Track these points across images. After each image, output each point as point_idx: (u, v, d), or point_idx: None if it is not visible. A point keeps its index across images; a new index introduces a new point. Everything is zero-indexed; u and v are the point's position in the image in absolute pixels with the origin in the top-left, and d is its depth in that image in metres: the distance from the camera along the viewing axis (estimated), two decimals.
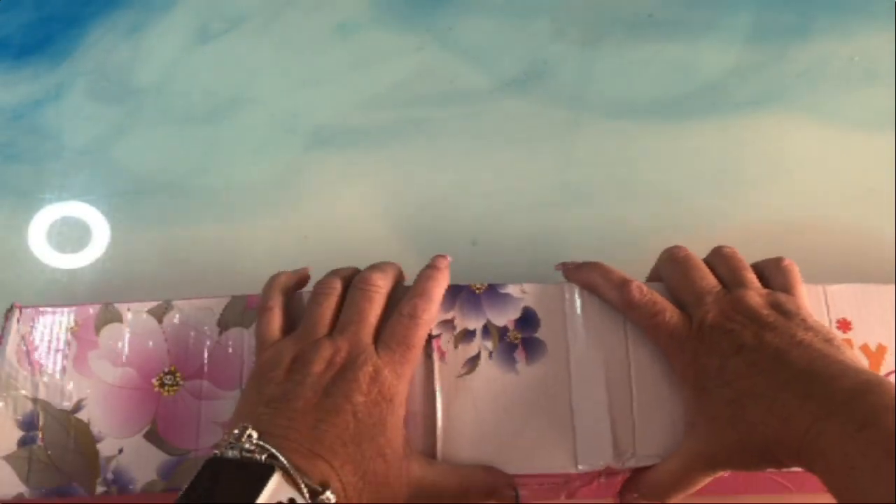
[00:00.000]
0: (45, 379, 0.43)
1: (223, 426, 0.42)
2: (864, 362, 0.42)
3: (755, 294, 0.41)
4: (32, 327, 0.44)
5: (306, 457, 0.35)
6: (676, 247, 0.44)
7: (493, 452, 0.41)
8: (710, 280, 0.42)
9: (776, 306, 0.40)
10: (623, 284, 0.42)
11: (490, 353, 0.43)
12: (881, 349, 0.43)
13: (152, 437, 0.42)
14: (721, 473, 0.39)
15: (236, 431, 0.35)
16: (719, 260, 0.44)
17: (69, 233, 0.58)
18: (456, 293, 0.44)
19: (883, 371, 0.43)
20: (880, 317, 0.44)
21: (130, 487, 0.41)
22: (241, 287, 0.46)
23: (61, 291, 0.56)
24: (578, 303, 0.44)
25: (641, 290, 0.42)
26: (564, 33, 0.63)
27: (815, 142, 0.58)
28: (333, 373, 0.39)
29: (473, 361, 0.43)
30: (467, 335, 0.43)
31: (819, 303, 0.44)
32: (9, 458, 0.42)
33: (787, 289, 0.42)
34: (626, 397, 0.42)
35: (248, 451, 0.35)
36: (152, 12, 0.65)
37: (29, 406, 0.43)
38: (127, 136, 0.61)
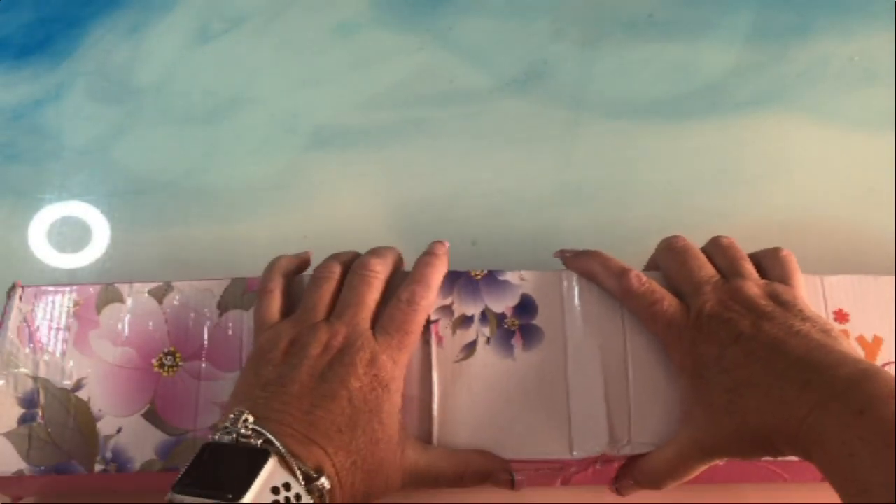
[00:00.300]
0: (46, 357, 0.44)
1: (221, 407, 0.43)
2: (860, 353, 0.42)
3: (753, 284, 0.41)
4: (34, 306, 0.45)
5: (301, 442, 0.35)
6: (675, 236, 0.44)
7: (488, 438, 0.41)
8: (708, 270, 0.42)
9: (774, 297, 0.40)
10: (622, 273, 0.42)
11: (487, 340, 0.43)
12: (877, 340, 0.43)
13: (151, 416, 0.43)
14: (717, 462, 0.39)
15: (232, 416, 0.36)
16: (717, 250, 0.44)
17: (69, 233, 0.58)
18: (455, 279, 0.44)
19: (879, 362, 0.43)
20: (877, 308, 0.44)
21: (129, 466, 0.41)
22: None
23: None
24: (576, 290, 0.44)
25: (640, 278, 0.42)
26: (564, 33, 0.63)
27: (815, 142, 0.58)
28: (330, 357, 0.39)
29: (471, 347, 0.43)
30: (465, 321, 0.43)
31: (816, 294, 0.44)
32: (9, 436, 0.42)
33: (785, 279, 0.42)
34: (623, 385, 0.42)
35: (244, 435, 0.35)
36: (152, 12, 0.65)
37: (29, 384, 0.43)
38: (127, 136, 0.61)
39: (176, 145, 0.60)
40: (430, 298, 0.42)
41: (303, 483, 0.34)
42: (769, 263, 0.43)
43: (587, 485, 0.45)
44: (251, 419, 0.36)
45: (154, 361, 0.44)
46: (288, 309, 0.43)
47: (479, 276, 0.44)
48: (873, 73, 0.60)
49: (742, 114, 0.59)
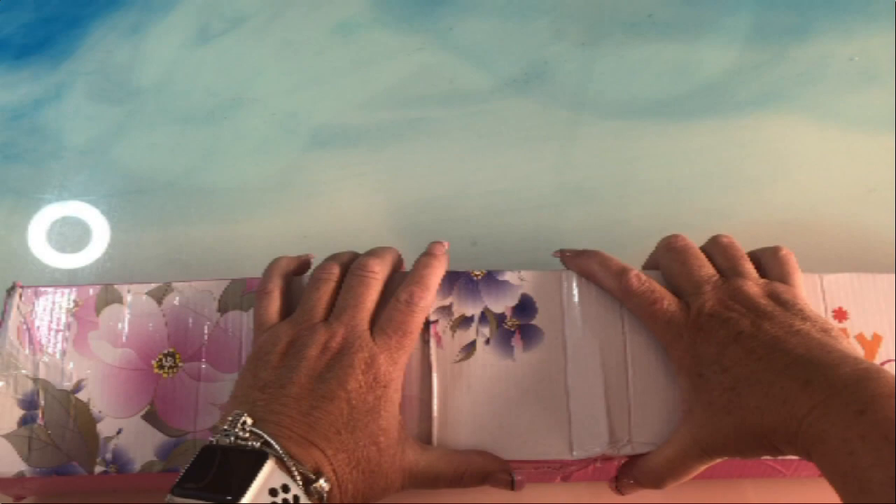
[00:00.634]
0: (46, 359, 0.44)
1: (221, 408, 0.43)
2: (860, 352, 0.42)
3: (753, 284, 0.41)
4: (33, 307, 0.45)
5: (300, 444, 0.36)
6: (674, 235, 0.44)
7: (488, 438, 0.41)
8: (707, 269, 0.42)
9: (774, 296, 0.40)
10: (621, 272, 0.42)
11: (487, 340, 0.43)
12: (876, 338, 0.43)
13: (151, 418, 0.43)
14: (717, 461, 0.39)
15: (231, 418, 0.36)
16: (717, 249, 0.44)
17: (69, 233, 0.58)
18: (454, 279, 0.44)
19: (878, 360, 0.43)
20: (876, 306, 0.44)
21: (129, 467, 0.42)
22: None
23: None
24: (576, 290, 0.44)
25: (640, 278, 0.42)
26: (564, 33, 0.63)
27: (815, 142, 0.58)
28: (328, 358, 0.39)
29: (470, 348, 0.43)
30: (465, 321, 0.43)
31: (815, 292, 0.44)
32: (9, 437, 0.42)
33: (785, 278, 0.42)
34: (623, 385, 0.42)
35: (243, 437, 0.35)
36: (152, 13, 0.65)
37: (30, 385, 0.43)
38: (127, 136, 0.61)
39: (176, 145, 0.60)
40: (429, 299, 0.42)
41: (301, 485, 0.34)
42: (769, 262, 0.43)
43: (587, 481, 0.45)
44: (249, 421, 0.36)
45: (154, 362, 0.44)
46: (287, 310, 0.43)
47: (479, 277, 0.45)
48: (873, 73, 0.60)
49: (742, 114, 0.59)
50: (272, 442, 0.35)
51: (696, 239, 0.45)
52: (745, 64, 0.61)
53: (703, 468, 0.39)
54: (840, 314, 0.44)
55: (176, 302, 0.45)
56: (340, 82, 0.62)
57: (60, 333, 0.44)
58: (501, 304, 0.44)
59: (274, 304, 0.43)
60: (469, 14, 0.64)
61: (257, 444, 0.35)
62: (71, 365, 0.44)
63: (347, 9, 0.65)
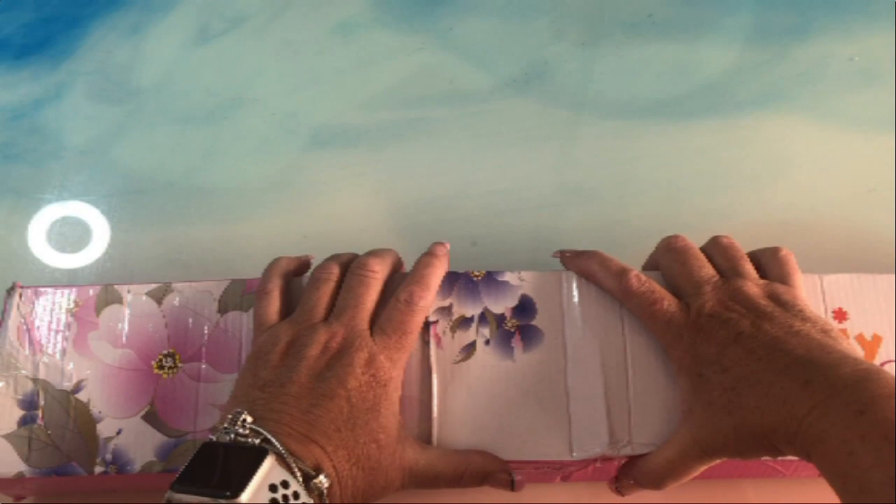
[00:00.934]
0: (46, 359, 0.44)
1: (221, 408, 0.43)
2: (860, 353, 0.42)
3: (753, 284, 0.41)
4: (33, 307, 0.45)
5: (300, 441, 0.36)
6: (675, 236, 0.44)
7: (488, 439, 0.41)
8: (708, 270, 0.42)
9: (774, 297, 0.40)
10: (621, 273, 0.42)
11: (487, 341, 0.43)
12: (876, 339, 0.43)
13: (151, 418, 0.43)
14: (717, 461, 0.39)
15: (231, 416, 0.36)
16: (717, 250, 0.44)
17: (69, 233, 0.58)
18: (454, 280, 0.44)
19: (878, 360, 0.43)
20: (876, 306, 0.44)
21: (129, 468, 0.42)
22: None
23: None
24: (576, 291, 0.44)
25: (639, 278, 0.42)
26: (564, 33, 0.63)
27: (814, 142, 0.58)
28: (329, 357, 0.39)
29: (470, 348, 0.43)
30: (464, 322, 0.43)
31: (815, 292, 0.44)
32: (9, 437, 0.42)
33: (785, 279, 0.42)
34: (623, 385, 0.42)
35: (243, 435, 0.35)
36: (152, 13, 0.65)
37: (29, 386, 0.43)
38: (127, 136, 0.61)
39: (176, 145, 0.60)
40: (429, 299, 0.42)
41: (301, 481, 0.34)
42: (769, 263, 0.43)
43: (587, 481, 0.45)
44: (249, 419, 0.36)
45: (153, 363, 0.44)
46: (287, 310, 0.43)
47: (479, 277, 0.44)
48: (873, 73, 0.60)
49: (742, 114, 0.59)
50: (272, 439, 0.35)
51: (696, 239, 0.45)
52: (745, 64, 0.61)
53: (703, 468, 0.39)
54: (840, 315, 0.44)
55: (176, 302, 0.45)
56: (340, 82, 0.62)
57: (60, 334, 0.44)
58: (501, 305, 0.44)
59: (274, 305, 0.43)
60: (469, 14, 0.64)
61: (257, 441, 0.35)
62: (71, 365, 0.44)
63: (347, 9, 0.65)
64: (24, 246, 0.57)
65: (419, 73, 0.62)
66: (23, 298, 0.45)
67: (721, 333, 0.39)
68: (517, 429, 0.41)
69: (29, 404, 0.43)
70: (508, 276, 0.44)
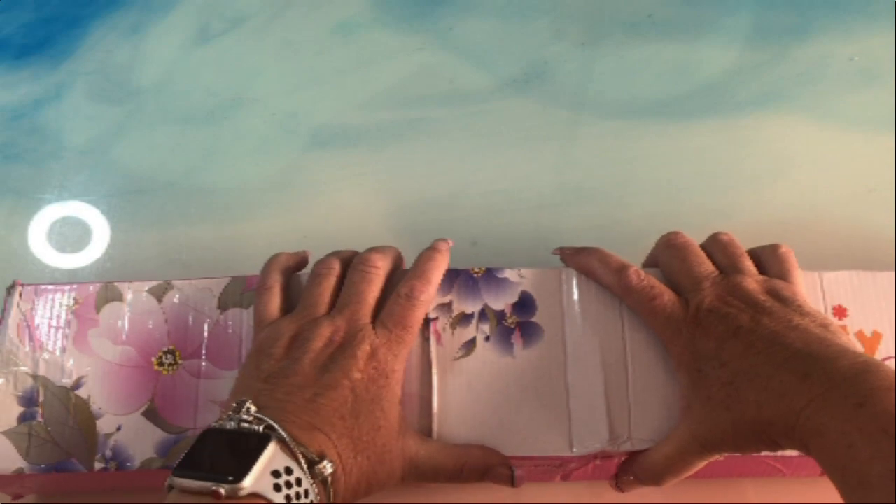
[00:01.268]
0: (46, 356, 0.44)
1: (221, 405, 0.43)
2: (859, 347, 0.42)
3: (752, 280, 0.41)
4: (33, 304, 0.45)
5: (304, 428, 0.36)
6: (674, 232, 0.44)
7: (488, 435, 0.41)
8: (707, 266, 0.42)
9: (773, 293, 0.40)
10: (621, 269, 0.42)
11: (487, 337, 0.43)
12: (876, 336, 0.43)
13: (151, 415, 0.43)
14: (716, 457, 0.39)
15: (235, 405, 0.36)
16: (717, 246, 0.44)
17: (69, 233, 0.58)
18: (454, 277, 0.44)
19: (878, 357, 0.43)
20: (876, 303, 0.44)
21: (128, 464, 0.42)
22: None
23: None
24: (576, 288, 0.44)
25: (639, 274, 0.42)
26: (564, 33, 0.63)
27: (814, 141, 0.58)
28: (332, 350, 0.39)
29: (470, 345, 0.43)
30: (464, 319, 0.43)
31: (815, 289, 0.44)
32: (9, 434, 0.42)
33: (784, 276, 0.42)
34: (622, 382, 0.42)
35: (247, 422, 0.35)
36: (152, 13, 0.65)
37: (29, 382, 0.43)
38: (127, 136, 0.61)
39: (176, 145, 0.60)
40: (430, 293, 0.42)
41: (305, 468, 0.34)
42: (768, 260, 0.43)
43: (587, 480, 0.45)
44: (253, 408, 0.36)
45: (154, 360, 0.44)
46: (287, 306, 0.43)
47: (479, 274, 0.45)
48: (873, 73, 0.60)
49: (742, 114, 0.59)
50: (276, 426, 0.35)
51: (696, 238, 0.45)
52: (745, 64, 0.61)
53: (702, 464, 0.39)
54: (840, 311, 0.44)
55: (176, 300, 0.45)
56: (340, 82, 0.62)
57: (60, 331, 0.44)
58: (501, 302, 0.44)
59: (274, 300, 0.43)
60: (469, 14, 0.64)
61: (261, 428, 0.35)
62: (71, 362, 0.44)
63: (347, 9, 0.65)
64: (25, 246, 0.57)
65: (419, 73, 0.62)
66: (23, 296, 0.45)
67: (720, 328, 0.39)
68: (517, 425, 0.41)
69: (29, 401, 0.43)
70: (508, 273, 0.45)
